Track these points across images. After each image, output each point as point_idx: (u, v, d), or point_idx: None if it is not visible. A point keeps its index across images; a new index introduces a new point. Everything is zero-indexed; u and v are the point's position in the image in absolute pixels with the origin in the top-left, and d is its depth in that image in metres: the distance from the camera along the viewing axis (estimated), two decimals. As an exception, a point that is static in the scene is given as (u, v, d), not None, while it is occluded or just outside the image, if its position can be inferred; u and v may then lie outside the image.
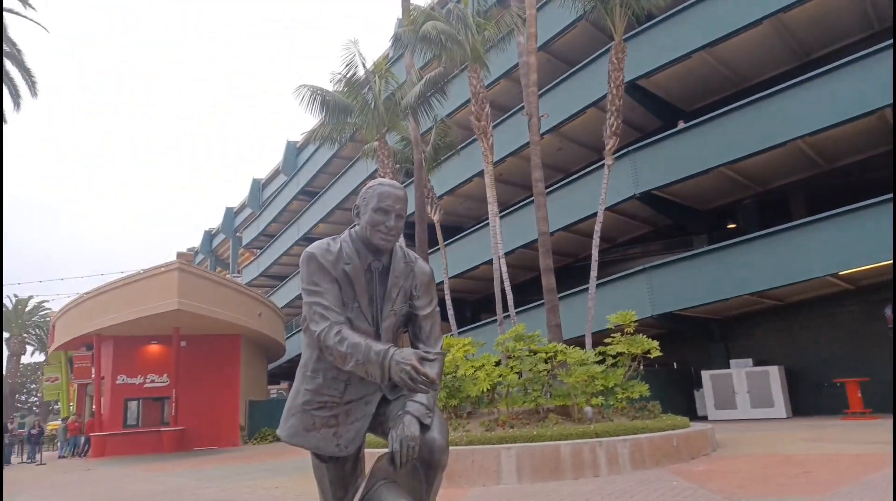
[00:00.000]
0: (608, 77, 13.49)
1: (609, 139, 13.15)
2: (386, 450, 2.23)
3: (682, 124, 16.32)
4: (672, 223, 19.59)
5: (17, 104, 19.43)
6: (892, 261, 12.25)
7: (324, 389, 2.43)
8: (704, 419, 16.34)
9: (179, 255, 20.20)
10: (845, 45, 16.15)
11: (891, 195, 12.48)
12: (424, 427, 2.24)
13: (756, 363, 17.04)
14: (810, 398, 16.61)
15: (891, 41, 12.77)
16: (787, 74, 16.53)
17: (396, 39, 15.24)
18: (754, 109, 14.97)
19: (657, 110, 18.84)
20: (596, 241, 12.70)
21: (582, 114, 18.63)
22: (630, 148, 17.07)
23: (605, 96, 14.11)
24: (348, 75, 15.27)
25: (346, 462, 2.53)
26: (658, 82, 17.82)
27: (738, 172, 16.23)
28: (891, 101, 12.47)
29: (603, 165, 13.89)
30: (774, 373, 16.30)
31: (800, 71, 15.51)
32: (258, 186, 43.50)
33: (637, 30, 16.64)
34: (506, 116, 20.70)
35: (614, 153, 13.47)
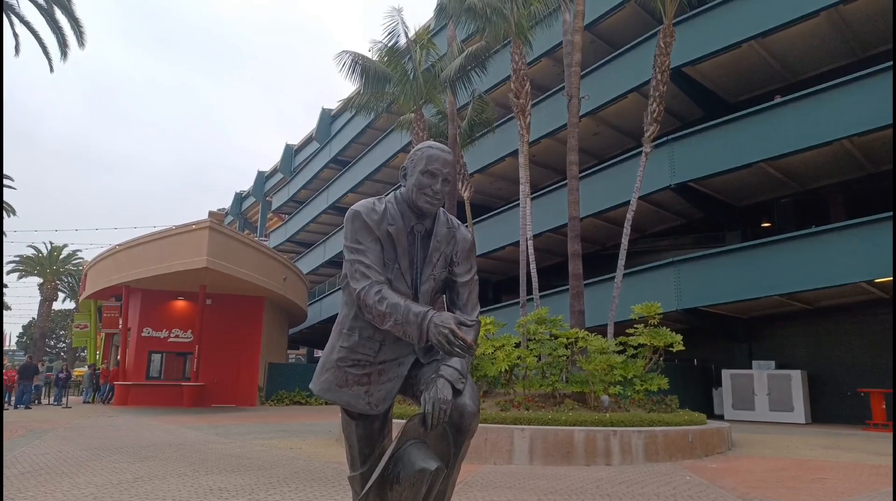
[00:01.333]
0: (654, 62, 13.13)
1: (649, 126, 12.86)
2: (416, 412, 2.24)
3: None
4: (705, 217, 19.21)
5: (64, 54, 19.66)
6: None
7: (359, 347, 2.44)
8: (721, 418, 16.19)
9: (211, 214, 20.38)
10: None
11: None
12: (457, 392, 2.25)
13: (779, 366, 16.78)
14: (832, 405, 16.32)
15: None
16: (840, 70, 15.94)
17: (440, 10, 15.03)
18: (802, 104, 14.49)
19: (700, 100, 18.36)
20: (627, 230, 12.51)
21: (623, 98, 18.26)
22: (669, 137, 16.71)
23: (648, 82, 13.77)
24: (390, 44, 15.15)
25: (375, 421, 2.55)
26: (704, 71, 17.35)
27: (779, 169, 15.80)
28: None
29: (640, 152, 13.60)
30: (797, 377, 16.03)
31: (854, 68, 14.93)
32: (291, 152, 43.75)
33: (687, 14, 16.16)
34: (544, 96, 20.38)
35: (653, 141, 13.18)
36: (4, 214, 39.05)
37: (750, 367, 17.10)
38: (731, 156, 15.54)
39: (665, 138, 16.52)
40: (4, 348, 51.95)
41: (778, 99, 15.20)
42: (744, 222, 19.07)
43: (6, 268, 47.79)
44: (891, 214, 12.74)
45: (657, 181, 16.53)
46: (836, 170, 16.07)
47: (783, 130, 14.63)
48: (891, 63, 13.15)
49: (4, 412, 19.61)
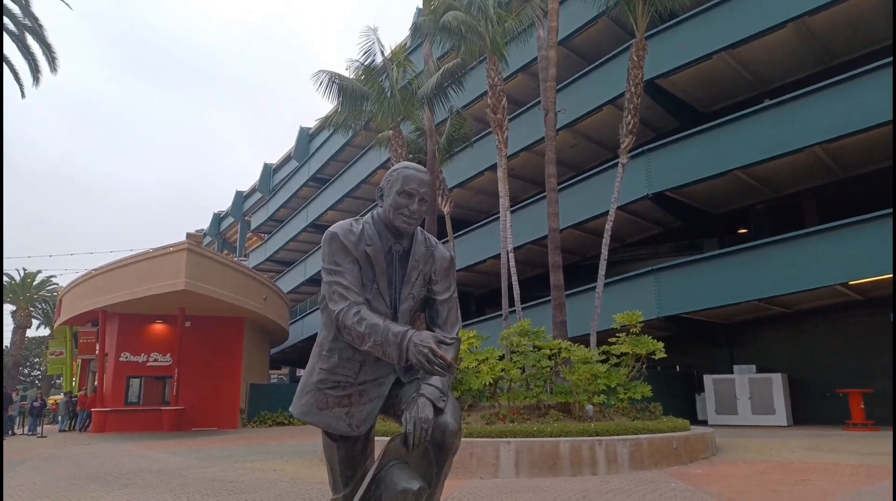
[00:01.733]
0: (627, 75, 13.35)
1: (625, 138, 13.04)
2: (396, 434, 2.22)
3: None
4: (682, 226, 19.46)
5: (36, 79, 19.45)
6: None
7: (338, 368, 2.43)
8: (705, 423, 16.28)
9: (189, 235, 20.19)
10: (871, 51, 15.90)
11: (907, 207, 12.34)
12: (438, 411, 2.24)
13: (759, 370, 16.96)
14: (812, 407, 16.52)
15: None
16: (808, 78, 16.34)
17: (416, 29, 15.16)
18: (773, 113, 14.81)
19: (674, 111, 18.68)
20: (606, 240, 12.62)
21: (598, 111, 18.51)
22: (645, 148, 16.95)
23: (622, 94, 13.99)
24: (366, 63, 15.22)
25: (357, 442, 2.53)
26: (677, 82, 17.67)
27: (753, 176, 16.08)
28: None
29: (617, 163, 13.78)
30: (777, 380, 16.22)
31: (822, 76, 15.32)
32: (269, 171, 43.58)
33: (658, 28, 16.48)
34: (521, 110, 20.59)
35: (629, 152, 13.36)
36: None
37: (732, 372, 17.25)
38: (706, 165, 15.80)
39: (641, 149, 16.75)
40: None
41: (767, 102, 15.27)
42: (721, 229, 19.34)
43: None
44: (863, 217, 13.03)
45: (635, 191, 16.73)
46: (809, 176, 16.42)
47: (756, 139, 14.92)
48: (856, 71, 13.53)
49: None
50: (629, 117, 13.06)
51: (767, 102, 15.19)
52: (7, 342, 50.86)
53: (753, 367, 17.04)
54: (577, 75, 19.19)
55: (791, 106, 14.52)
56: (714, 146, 15.75)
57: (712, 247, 18.01)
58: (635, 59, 13.19)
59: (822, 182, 16.77)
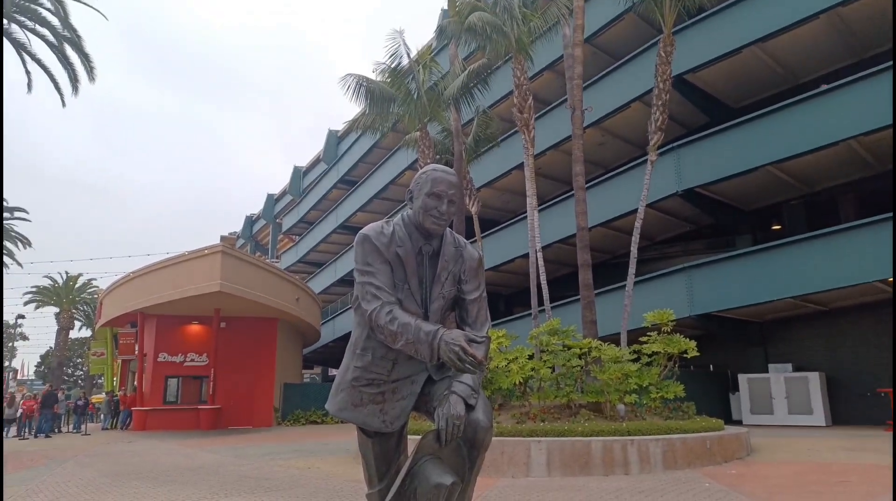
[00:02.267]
0: (655, 71, 13.24)
1: (654, 134, 12.93)
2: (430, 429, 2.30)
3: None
4: (714, 223, 19.18)
5: (75, 88, 20.09)
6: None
7: (372, 366, 2.51)
8: (739, 423, 16.04)
9: (223, 238, 20.61)
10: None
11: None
12: (469, 408, 2.31)
13: (796, 369, 16.63)
14: (851, 406, 16.12)
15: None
16: (842, 71, 15.96)
17: (441, 30, 15.25)
18: (806, 106, 14.50)
19: (704, 106, 18.41)
20: (635, 237, 12.54)
21: (626, 108, 18.35)
22: (674, 144, 16.74)
23: (650, 90, 13.86)
24: (393, 65, 15.36)
25: (391, 438, 2.61)
26: (706, 77, 17.42)
27: (786, 171, 15.77)
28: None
29: (645, 160, 13.67)
30: (815, 379, 15.88)
31: (856, 68, 14.95)
32: (299, 174, 44.13)
33: (686, 23, 16.27)
34: (547, 108, 20.52)
35: (658, 149, 13.24)
36: (20, 246, 39.65)
37: (766, 371, 16.95)
38: (737, 160, 15.55)
39: (670, 146, 16.56)
40: (21, 377, 52.36)
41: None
42: (754, 225, 19.00)
43: (23, 299, 48.39)
44: (901, 212, 12.69)
45: (664, 188, 16.55)
46: (844, 170, 16.03)
47: (789, 133, 14.63)
48: (892, 62, 13.17)
49: (24, 441, 19.78)
50: (658, 114, 12.94)
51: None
52: (51, 343, 52.54)
53: (789, 366, 16.71)
54: (603, 72, 19.05)
55: (825, 99, 14.19)
56: (745, 141, 15.48)
57: (745, 244, 17.71)
58: (663, 54, 13.07)
59: (859, 176, 16.36)
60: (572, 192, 14.13)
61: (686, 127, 19.19)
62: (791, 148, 14.55)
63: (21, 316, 43.86)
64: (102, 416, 27.48)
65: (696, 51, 16.48)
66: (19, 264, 39.24)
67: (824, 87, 14.68)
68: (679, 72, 16.04)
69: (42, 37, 19.35)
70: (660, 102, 12.94)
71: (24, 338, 64.46)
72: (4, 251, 39.11)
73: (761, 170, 15.39)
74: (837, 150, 14.46)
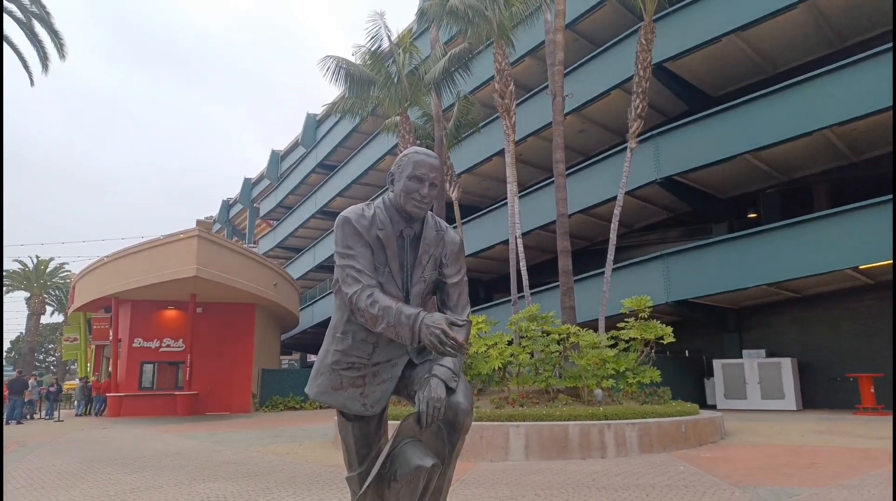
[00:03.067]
0: (636, 58, 13.27)
1: (633, 122, 12.99)
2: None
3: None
4: (692, 210, 19.38)
5: (45, 67, 19.51)
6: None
7: (352, 350, 2.49)
8: (714, 408, 16.34)
9: (199, 222, 20.31)
10: (882, 32, 15.67)
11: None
12: (450, 391, 2.30)
13: (769, 355, 16.96)
14: (822, 391, 16.52)
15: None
16: (819, 61, 16.14)
17: (422, 13, 15.06)
18: (783, 95, 14.66)
19: (683, 94, 18.52)
20: (614, 225, 12.62)
21: (606, 95, 18.38)
22: (653, 132, 16.84)
23: (631, 78, 13.91)
24: (373, 48, 15.16)
25: (371, 422, 2.60)
26: (686, 65, 17.50)
27: (763, 160, 15.97)
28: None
29: (625, 148, 13.72)
30: (787, 365, 16.22)
31: (833, 58, 15.13)
32: (277, 158, 43.60)
33: (667, 10, 16.29)
34: (529, 95, 20.48)
35: (638, 137, 13.30)
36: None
37: (741, 356, 17.27)
38: (715, 149, 15.70)
39: (650, 133, 16.65)
40: (-7, 364, 51.35)
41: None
42: (730, 213, 19.24)
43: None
44: (874, 201, 12.93)
45: (643, 176, 16.66)
46: (820, 160, 16.28)
47: (766, 122, 14.79)
48: (868, 53, 13.35)
49: (-4, 428, 19.41)
50: (638, 101, 12.99)
51: (762, 91, 14.93)
52: (22, 328, 51.56)
53: (763, 351, 17.04)
54: (584, 59, 19.04)
55: (802, 88, 14.36)
56: (724, 130, 15.63)
57: (721, 232, 17.95)
58: (644, 42, 13.09)
59: (833, 166, 16.63)
60: (552, 179, 14.16)
61: (665, 115, 19.31)
62: (768, 137, 14.72)
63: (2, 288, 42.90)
64: (76, 402, 27.11)
65: (676, 39, 16.53)
66: (2, 239, 38.30)
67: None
68: (659, 59, 16.09)
69: (9, 12, 18.72)
70: (640, 90, 12.98)
71: (-6, 323, 63.12)
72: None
73: (739, 158, 15.56)
74: (813, 139, 14.67)
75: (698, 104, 17.95)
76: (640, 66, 13.07)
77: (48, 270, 48.26)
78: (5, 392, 22.04)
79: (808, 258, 13.88)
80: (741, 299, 17.21)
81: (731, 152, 15.41)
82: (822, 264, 13.69)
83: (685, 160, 16.25)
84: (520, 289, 13.30)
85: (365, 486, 2.28)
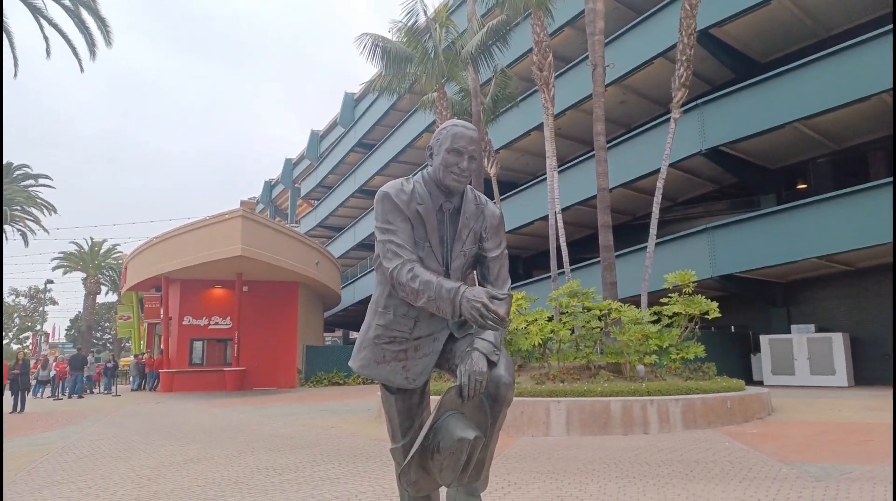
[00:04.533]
0: (679, 25, 12.80)
1: (677, 91, 12.59)
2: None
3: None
4: (738, 182, 18.81)
5: (92, 53, 20.04)
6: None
7: (394, 324, 2.51)
8: (760, 384, 16.02)
9: (242, 203, 20.84)
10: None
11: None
12: (491, 364, 2.30)
13: (819, 330, 16.47)
14: (875, 367, 15.98)
15: None
16: (875, 22, 15.31)
17: (458, -14, 14.82)
18: (836, 60, 13.98)
19: (730, 62, 17.86)
20: (657, 198, 12.34)
21: (649, 64, 17.87)
22: (698, 101, 16.32)
23: (674, 46, 13.45)
24: (409, 24, 15.05)
25: (414, 395, 2.63)
26: (732, 31, 16.84)
27: (814, 128, 15.33)
28: None
29: (668, 118, 13.36)
30: (838, 340, 15.74)
31: (887, 20, 14.32)
32: (316, 138, 43.99)
33: (712, -25, 15.66)
34: (568, 66, 20.07)
35: (682, 106, 12.91)
36: (46, 212, 40.31)
37: (789, 332, 16.82)
38: (763, 117, 15.13)
39: (694, 103, 16.15)
40: (53, 340, 53.93)
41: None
42: (779, 184, 18.61)
43: (52, 265, 49.48)
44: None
45: (687, 147, 16.21)
46: (874, 126, 15.52)
47: (817, 88, 14.16)
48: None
49: (58, 401, 20.49)
50: (682, 70, 12.58)
51: (814, 55, 14.27)
52: (80, 307, 53.86)
53: (812, 326, 16.55)
54: (626, 28, 18.50)
55: (856, 52, 13.65)
56: (772, 98, 15.03)
57: (769, 204, 17.38)
58: (688, 7, 12.62)
59: (889, 133, 15.84)
60: (593, 152, 13.90)
61: (711, 83, 18.68)
62: (820, 103, 14.10)
63: (50, 281, 44.92)
64: (131, 378, 28.31)
65: (721, 3, 15.89)
66: (46, 231, 40.01)
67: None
68: (704, 26, 15.51)
69: (57, 1, 19.24)
70: (684, 58, 12.56)
71: (54, 303, 66.25)
72: (31, 218, 39.87)
73: (788, 127, 14.97)
74: (868, 105, 13.98)
75: (745, 71, 17.30)
76: (684, 32, 12.62)
77: (102, 251, 50.13)
78: (65, 369, 23.16)
79: (862, 230, 13.33)
80: (789, 273, 16.70)
81: (779, 121, 14.84)
82: (876, 236, 13.12)
83: (732, 130, 15.73)
84: (559, 265, 13.19)
85: (409, 457, 2.32)
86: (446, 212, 2.48)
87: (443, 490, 2.60)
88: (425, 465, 2.33)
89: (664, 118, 15.93)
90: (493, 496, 4.19)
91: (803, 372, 16.02)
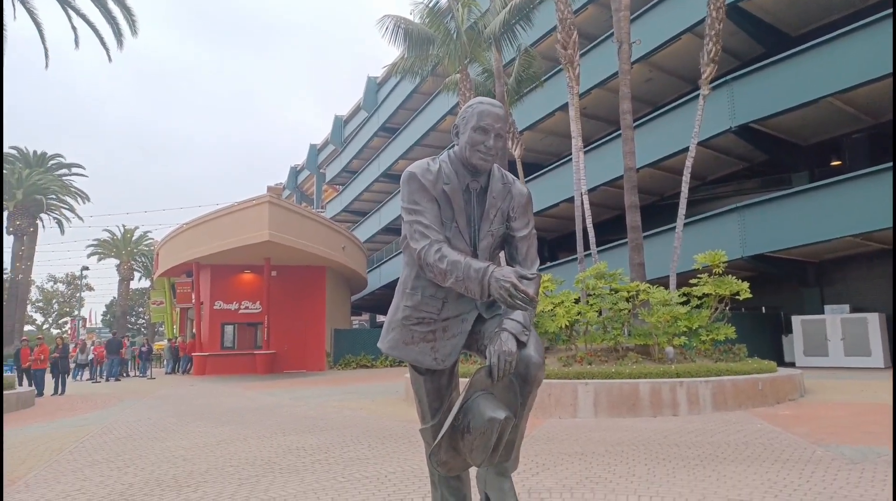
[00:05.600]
0: (707, -1, 12.47)
1: (706, 67, 12.30)
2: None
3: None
4: (769, 159, 18.36)
5: (119, 43, 20.31)
6: None
7: (422, 305, 2.51)
8: (792, 365, 15.76)
9: (269, 189, 20.99)
10: None
11: None
12: (521, 344, 2.28)
13: (853, 310, 16.11)
14: (891, 347, 15.59)
15: None
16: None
17: (480, -35, 14.64)
18: (873, 30, 13.47)
19: (760, 36, 17.36)
20: (686, 177, 12.12)
21: (676, 40, 17.45)
22: (728, 77, 15.92)
23: (702, 21, 13.14)
24: (431, 4, 14.93)
25: (443, 376, 2.63)
26: (762, 4, 16.33)
27: (849, 102, 14.86)
28: None
29: (697, 95, 13.06)
30: (874, 320, 15.37)
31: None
32: (340, 123, 44.10)
33: (742, -55, 15.18)
34: (593, 44, 19.72)
35: (710, 83, 12.61)
36: (80, 200, 41.27)
37: (822, 312, 16.48)
38: (795, 92, 14.71)
39: (724, 79, 15.76)
40: (91, 325, 55.47)
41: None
42: (811, 161, 18.13)
43: (87, 252, 50.78)
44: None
45: (717, 125, 15.86)
46: (914, 99, 14.99)
47: (852, 61, 13.69)
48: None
49: (97, 384, 21.12)
50: (710, 45, 12.26)
51: (847, 27, 13.79)
52: (115, 293, 55.22)
53: (846, 307, 16.19)
54: (652, 3, 18.07)
55: (892, 22, 13.14)
56: (805, 72, 14.58)
57: (802, 181, 16.95)
58: (717, -20, 12.27)
59: (931, 105, 15.29)
60: (619, 131, 13.69)
61: (740, 59, 18.20)
62: (855, 76, 13.64)
63: (86, 268, 46.16)
64: (165, 362, 29.03)
65: (753, -25, 15.42)
66: (80, 219, 41.03)
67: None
68: (734, -1, 15.08)
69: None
70: (713, 32, 12.24)
71: (90, 289, 68.04)
72: (66, 206, 40.84)
73: (822, 102, 14.54)
74: (907, 77, 13.48)
75: (776, 46, 16.79)
76: (712, 6, 12.29)
77: (134, 238, 51.23)
78: (102, 353, 23.82)
79: (900, 207, 12.93)
80: (823, 253, 16.32)
81: (813, 96, 14.41)
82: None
83: (762, 106, 15.32)
84: (586, 247, 13.08)
85: (439, 437, 2.33)
86: (473, 191, 2.46)
87: (473, 470, 2.61)
88: (455, 445, 2.34)
89: (692, 96, 15.59)
90: (521, 475, 4.21)
91: (837, 353, 15.71)
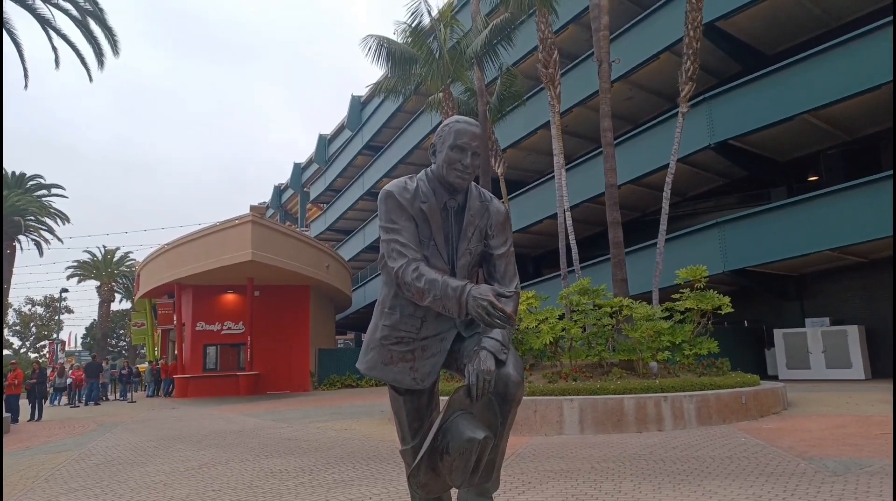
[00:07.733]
0: (685, 18, 12.73)
1: (684, 85, 12.52)
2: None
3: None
4: (748, 175, 18.65)
5: (101, 63, 20.19)
6: None
7: (401, 325, 2.50)
8: (775, 378, 15.86)
9: (252, 208, 20.94)
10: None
11: None
12: (500, 363, 2.27)
13: (833, 323, 16.30)
14: (892, 359, 15.78)
15: None
16: (883, 10, 15.12)
17: (461, -15, 14.82)
18: (846, 49, 13.81)
19: (737, 54, 17.71)
20: (667, 193, 12.27)
21: (655, 59, 17.75)
22: (706, 95, 16.20)
23: (680, 40, 13.38)
24: (413, 24, 15.06)
25: (423, 395, 2.61)
26: (739, 23, 16.69)
27: (824, 119, 15.17)
28: None
29: (676, 113, 13.28)
30: (853, 333, 15.56)
31: (900, 7, 14.15)
32: (324, 142, 44.11)
33: (717, -33, 15.54)
34: (573, 63, 19.99)
35: (689, 101, 12.83)
36: (59, 222, 40.72)
37: (803, 325, 16.66)
38: (772, 109, 15.00)
39: (702, 97, 16.03)
40: (69, 348, 54.45)
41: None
42: (789, 177, 18.43)
43: (66, 274, 50.01)
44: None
45: (696, 142, 16.10)
46: (886, 115, 15.33)
47: (827, 79, 14.01)
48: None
49: (75, 408, 20.69)
50: (688, 63, 12.50)
51: (822, 45, 14.15)
52: (95, 315, 54.33)
53: (827, 319, 16.38)
54: (631, 22, 18.40)
55: (867, 40, 13.47)
56: (781, 89, 14.89)
57: (780, 196, 17.21)
58: (693, 0, 12.55)
59: (903, 121, 15.65)
60: (600, 149, 13.84)
61: (718, 77, 18.54)
62: (829, 94, 13.94)
63: (65, 290, 45.52)
64: (146, 384, 28.53)
65: (728, -5, 15.77)
66: (59, 240, 40.41)
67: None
68: (710, 19, 15.38)
69: (65, 11, 19.41)
70: (690, 51, 12.48)
71: (70, 311, 66.82)
72: (45, 227, 40.27)
73: (798, 118, 14.83)
74: (880, 94, 13.79)
75: (753, 64, 17.15)
76: (690, 26, 12.55)
77: (115, 259, 50.57)
78: (81, 376, 23.35)
79: (875, 221, 13.16)
80: (802, 266, 16.54)
81: (789, 113, 14.70)
82: (889, 227, 12.95)
83: (740, 123, 15.60)
84: (569, 263, 13.15)
85: (418, 459, 2.31)
86: (451, 210, 2.46)
87: (454, 492, 2.58)
88: (435, 466, 2.31)
89: (672, 113, 15.83)
90: (507, 495, 4.17)
91: (819, 366, 15.86)
